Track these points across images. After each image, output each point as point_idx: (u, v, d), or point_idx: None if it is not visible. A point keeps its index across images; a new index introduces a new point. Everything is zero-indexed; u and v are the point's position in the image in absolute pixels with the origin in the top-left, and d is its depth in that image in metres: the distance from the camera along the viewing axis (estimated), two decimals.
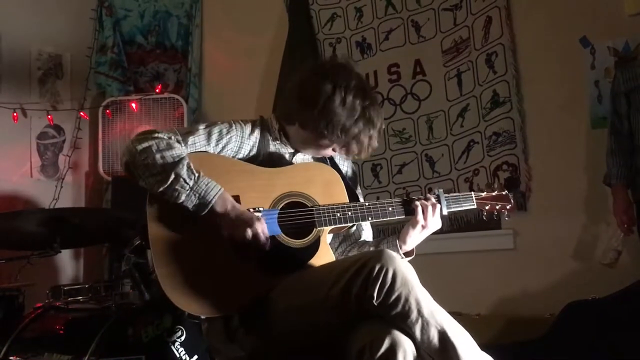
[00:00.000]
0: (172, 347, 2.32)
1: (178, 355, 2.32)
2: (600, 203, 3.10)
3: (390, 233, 2.21)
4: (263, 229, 1.74)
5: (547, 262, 3.19)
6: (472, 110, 3.51)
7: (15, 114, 3.88)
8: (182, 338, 2.35)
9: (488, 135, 3.43)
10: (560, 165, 3.22)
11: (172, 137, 1.78)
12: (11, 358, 2.34)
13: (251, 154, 1.92)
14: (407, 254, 1.99)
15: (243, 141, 1.91)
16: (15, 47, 3.96)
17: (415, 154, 3.69)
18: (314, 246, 1.85)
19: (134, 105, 4.06)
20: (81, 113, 4.13)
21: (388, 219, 1.94)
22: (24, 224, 2.55)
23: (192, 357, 2.36)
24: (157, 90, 4.18)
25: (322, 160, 2.04)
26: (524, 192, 3.28)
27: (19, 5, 3.99)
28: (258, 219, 1.74)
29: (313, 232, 1.86)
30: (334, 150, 1.97)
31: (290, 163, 1.97)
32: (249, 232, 1.71)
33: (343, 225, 1.90)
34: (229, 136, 1.88)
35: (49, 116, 4.01)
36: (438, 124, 3.63)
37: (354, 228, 2.07)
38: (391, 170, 3.75)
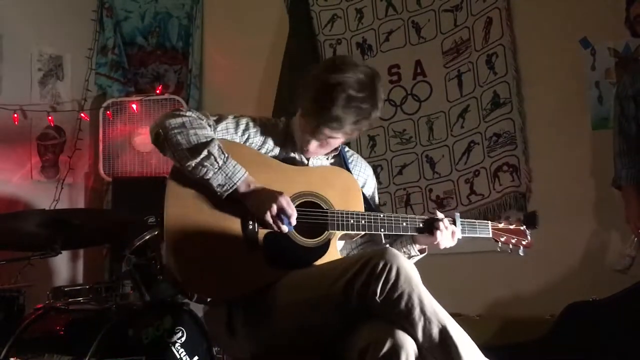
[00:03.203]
0: (173, 348, 2.32)
1: (178, 356, 2.32)
2: (601, 204, 3.09)
3: None
4: (288, 201, 1.77)
5: (547, 263, 3.18)
6: (472, 111, 3.50)
7: (15, 115, 3.88)
8: (183, 339, 2.35)
9: (488, 136, 3.43)
10: (561, 166, 3.22)
11: (204, 119, 1.84)
12: (12, 359, 2.34)
13: (273, 151, 1.95)
14: (420, 251, 2.05)
15: (266, 137, 1.94)
16: (16, 48, 3.96)
17: (415, 155, 3.69)
18: (324, 248, 1.87)
19: (134, 106, 4.06)
20: (82, 114, 4.14)
21: (402, 234, 1.97)
22: (25, 225, 2.55)
23: (192, 358, 2.36)
24: (158, 91, 4.18)
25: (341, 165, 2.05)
26: (524, 193, 3.28)
27: (20, 6, 4.00)
28: (281, 193, 1.77)
29: (324, 234, 1.87)
30: (315, 136, 1.90)
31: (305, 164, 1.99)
32: (275, 206, 1.74)
33: (355, 232, 1.91)
34: (254, 130, 1.93)
35: (50, 117, 4.02)
36: (438, 125, 3.63)
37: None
38: (392, 171, 3.74)
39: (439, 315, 1.55)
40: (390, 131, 3.75)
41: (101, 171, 4.06)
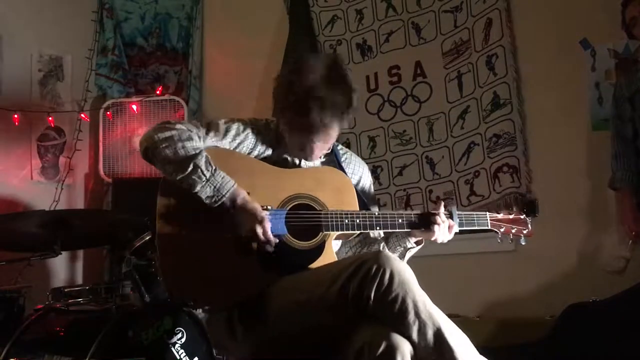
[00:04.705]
0: (173, 349, 2.32)
1: (178, 357, 2.32)
2: (600, 205, 3.09)
3: None
4: (265, 230, 1.75)
5: (547, 264, 3.18)
6: (472, 112, 3.51)
7: (15, 116, 3.88)
8: (183, 340, 2.35)
9: (488, 137, 3.43)
10: (561, 167, 3.22)
11: (193, 130, 1.83)
12: None
13: (266, 153, 1.95)
14: (417, 242, 2.02)
15: (258, 140, 1.94)
16: (16, 49, 3.96)
17: (415, 156, 3.69)
18: (319, 249, 1.85)
19: (134, 107, 4.07)
20: (82, 115, 4.14)
21: (397, 230, 1.94)
22: (25, 226, 2.55)
23: (192, 359, 2.35)
24: (158, 92, 4.18)
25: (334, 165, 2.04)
26: (524, 194, 3.27)
27: (20, 7, 4.00)
28: (262, 220, 1.75)
29: (319, 236, 1.86)
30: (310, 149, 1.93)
31: (298, 165, 1.98)
32: (250, 232, 1.74)
33: (350, 232, 1.89)
34: (245, 134, 1.92)
35: (50, 118, 4.01)
36: (438, 125, 3.63)
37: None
38: (392, 172, 3.75)
39: (434, 317, 1.54)
40: (390, 132, 3.75)
41: (101, 172, 4.06)
